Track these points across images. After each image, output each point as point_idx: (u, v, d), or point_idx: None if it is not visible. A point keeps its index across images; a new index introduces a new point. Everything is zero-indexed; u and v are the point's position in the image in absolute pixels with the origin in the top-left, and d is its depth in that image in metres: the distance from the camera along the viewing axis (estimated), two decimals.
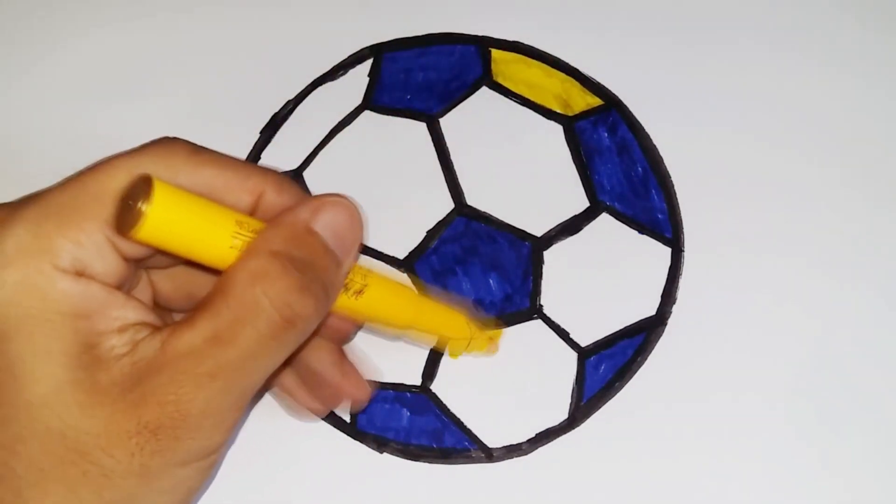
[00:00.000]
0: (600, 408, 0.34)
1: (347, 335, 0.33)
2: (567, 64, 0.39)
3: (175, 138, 0.26)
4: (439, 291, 0.33)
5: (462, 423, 0.34)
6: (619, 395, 0.34)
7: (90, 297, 0.24)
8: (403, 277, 0.31)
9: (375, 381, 0.33)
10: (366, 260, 0.31)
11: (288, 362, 0.28)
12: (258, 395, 0.33)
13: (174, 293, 0.29)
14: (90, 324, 0.24)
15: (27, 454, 0.24)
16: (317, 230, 0.26)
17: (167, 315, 0.30)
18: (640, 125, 0.38)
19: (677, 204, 0.37)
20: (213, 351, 0.24)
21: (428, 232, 0.36)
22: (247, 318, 0.24)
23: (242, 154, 0.38)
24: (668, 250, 0.36)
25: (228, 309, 0.24)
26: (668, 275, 0.36)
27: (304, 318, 0.25)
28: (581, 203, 0.37)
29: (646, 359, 0.34)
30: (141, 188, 0.23)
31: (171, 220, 0.23)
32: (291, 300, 0.24)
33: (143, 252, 0.25)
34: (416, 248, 0.36)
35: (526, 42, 0.39)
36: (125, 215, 0.23)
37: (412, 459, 0.34)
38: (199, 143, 0.38)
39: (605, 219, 0.36)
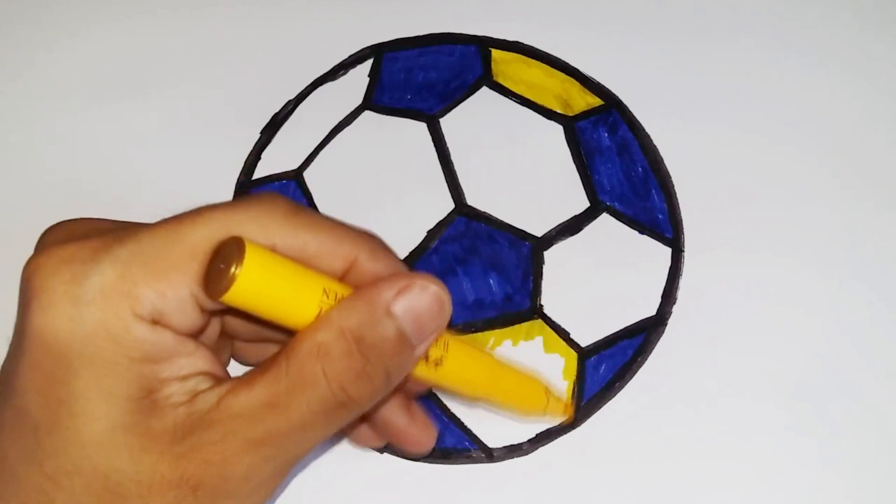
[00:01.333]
0: (600, 408, 0.34)
1: (421, 391, 0.32)
2: (567, 64, 0.39)
3: (276, 195, 0.26)
4: (515, 362, 0.32)
5: (462, 423, 0.34)
6: (619, 395, 0.34)
7: (162, 345, 0.24)
8: (482, 344, 0.30)
9: (435, 435, 0.33)
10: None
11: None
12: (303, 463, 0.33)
13: (244, 330, 0.29)
14: (156, 370, 0.24)
15: (69, 488, 0.24)
16: (396, 313, 0.25)
17: (230, 345, 0.30)
18: (641, 125, 0.38)
19: (677, 204, 0.37)
20: (266, 417, 0.24)
21: (428, 232, 0.36)
22: (302, 390, 0.24)
23: (242, 154, 0.38)
24: (668, 250, 0.36)
25: (287, 377, 0.24)
26: (668, 275, 0.36)
27: (358, 402, 0.25)
28: (581, 203, 0.37)
29: (646, 359, 0.34)
30: (233, 250, 0.23)
31: (259, 286, 0.23)
32: (347, 384, 0.24)
33: (223, 307, 0.24)
34: (416, 248, 0.36)
35: (526, 42, 0.39)
36: (214, 276, 0.23)
37: (412, 459, 0.34)
38: (198, 142, 0.39)
39: (605, 219, 0.36)
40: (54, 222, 0.27)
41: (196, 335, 0.25)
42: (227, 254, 0.23)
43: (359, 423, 0.31)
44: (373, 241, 0.27)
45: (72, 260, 0.23)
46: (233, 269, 0.22)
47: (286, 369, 0.24)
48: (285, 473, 0.26)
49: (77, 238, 0.24)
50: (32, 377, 0.23)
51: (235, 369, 0.28)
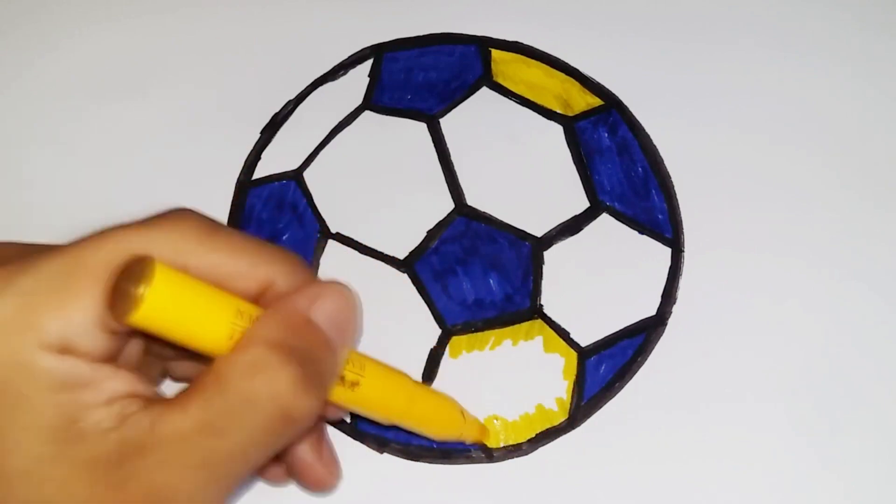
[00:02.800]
0: (600, 408, 0.34)
1: (332, 420, 0.32)
2: (567, 64, 0.39)
3: (189, 212, 0.25)
4: (430, 390, 0.32)
5: None
6: (619, 395, 0.34)
7: (76, 372, 0.23)
8: (397, 371, 0.30)
9: (339, 477, 0.32)
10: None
11: None
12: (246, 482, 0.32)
13: (167, 350, 0.28)
14: (74, 397, 0.23)
15: None
16: (315, 320, 0.25)
17: (158, 366, 0.29)
18: (641, 125, 0.38)
19: (677, 204, 0.37)
20: (204, 440, 0.23)
21: (428, 232, 0.36)
22: (243, 411, 0.23)
23: (242, 154, 0.38)
24: (668, 250, 0.36)
25: (223, 398, 0.23)
26: (668, 275, 0.36)
27: (302, 414, 0.24)
28: (581, 203, 0.37)
29: (646, 359, 0.34)
30: (141, 270, 0.22)
31: (168, 307, 0.22)
32: (291, 395, 0.24)
33: (135, 330, 0.24)
34: (416, 248, 0.36)
35: (526, 42, 0.39)
36: (121, 298, 0.22)
37: (412, 459, 0.34)
38: (198, 142, 0.39)
39: (605, 219, 0.36)
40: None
41: (112, 358, 0.24)
42: (133, 274, 0.22)
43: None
44: (290, 262, 0.26)
45: None
46: (139, 290, 0.22)
47: (221, 390, 0.23)
48: (230, 494, 0.25)
49: None
50: None
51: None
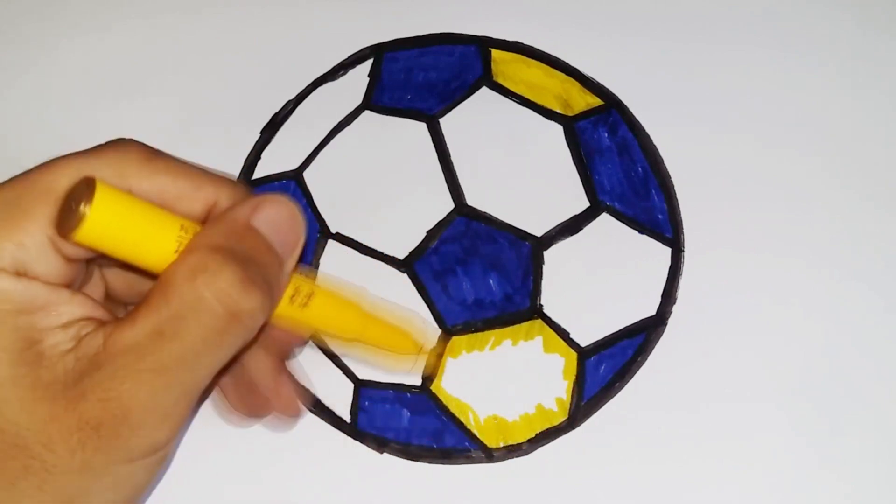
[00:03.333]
0: (600, 408, 0.34)
1: (290, 349, 0.32)
2: (567, 64, 0.39)
3: (131, 141, 0.26)
4: (391, 305, 0.32)
5: (462, 423, 0.34)
6: (619, 395, 0.34)
7: (31, 295, 0.24)
8: (352, 288, 0.30)
9: (307, 402, 0.32)
10: (323, 274, 0.30)
11: (229, 363, 0.27)
12: (206, 394, 0.33)
13: (127, 290, 0.29)
14: (32, 321, 0.24)
15: None
16: (256, 225, 0.25)
17: (122, 309, 0.30)
18: (640, 125, 0.38)
19: (677, 204, 0.37)
20: (155, 346, 0.24)
21: (428, 232, 0.36)
22: (189, 313, 0.24)
23: (242, 154, 0.38)
24: (668, 250, 0.36)
25: (168, 305, 0.24)
26: (668, 275, 0.36)
27: (249, 312, 0.25)
28: (581, 203, 0.37)
29: (646, 359, 0.34)
30: (84, 190, 0.23)
31: (112, 223, 0.23)
32: (234, 293, 0.24)
33: (87, 253, 0.25)
34: (416, 248, 0.36)
35: (526, 42, 0.39)
36: (67, 217, 0.23)
37: (412, 459, 0.34)
38: (198, 142, 0.39)
39: (605, 219, 0.36)
40: None
41: (69, 284, 0.25)
42: (78, 195, 0.23)
43: (230, 384, 0.31)
44: (233, 184, 0.27)
45: None
46: (81, 207, 0.22)
47: (166, 297, 0.24)
48: (188, 403, 0.25)
49: None
50: None
51: None
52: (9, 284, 0.24)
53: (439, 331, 0.34)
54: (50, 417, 0.24)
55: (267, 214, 0.26)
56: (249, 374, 0.30)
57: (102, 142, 0.26)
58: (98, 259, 0.26)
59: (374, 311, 0.31)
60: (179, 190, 0.26)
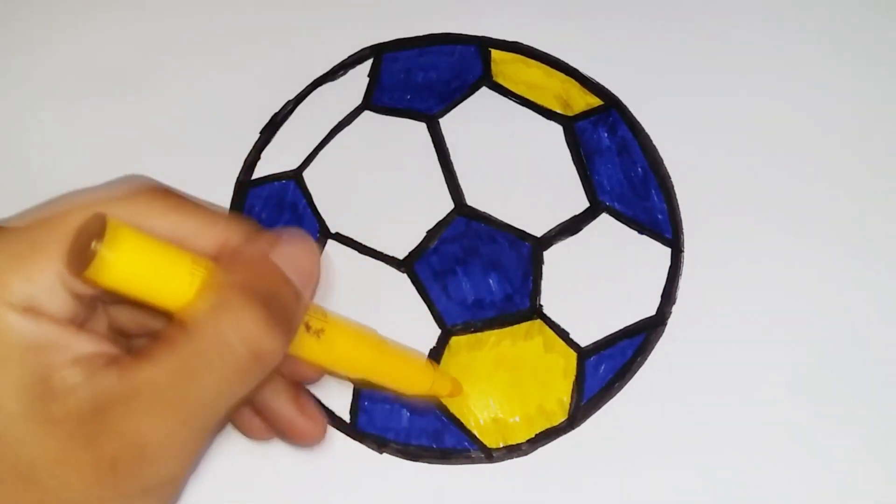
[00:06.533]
0: (600, 408, 0.34)
1: (309, 378, 0.32)
2: (567, 64, 0.39)
3: (142, 177, 0.26)
4: (398, 344, 0.32)
5: (462, 423, 0.34)
6: (619, 395, 0.34)
7: (41, 331, 0.24)
8: (363, 326, 0.30)
9: (324, 428, 0.33)
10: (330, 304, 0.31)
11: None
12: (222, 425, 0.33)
13: (131, 324, 0.28)
14: (42, 357, 0.24)
15: None
16: (275, 261, 0.25)
17: (125, 342, 0.30)
18: (640, 125, 0.38)
19: (677, 204, 0.37)
20: (175, 385, 0.24)
21: (428, 232, 0.36)
22: (212, 354, 0.24)
23: (242, 154, 0.38)
24: (668, 250, 0.36)
25: (191, 343, 0.24)
26: (668, 275, 0.36)
27: (271, 352, 0.25)
28: (581, 203, 0.37)
29: (646, 359, 0.34)
30: (96, 227, 0.23)
31: (124, 261, 0.23)
32: (259, 334, 0.24)
33: (96, 290, 0.24)
34: (416, 248, 0.36)
35: (526, 42, 0.39)
36: (79, 254, 0.23)
37: (412, 459, 0.34)
38: (198, 142, 0.39)
39: (605, 219, 0.36)
40: None
41: (79, 322, 0.25)
42: (90, 232, 0.23)
43: (248, 412, 0.31)
44: (244, 222, 0.27)
45: None
46: (93, 245, 0.22)
47: (188, 337, 0.24)
48: (205, 439, 0.25)
49: None
50: None
51: None
52: (19, 321, 0.23)
53: (449, 378, 0.34)
54: (64, 453, 0.23)
55: (285, 249, 0.26)
56: (269, 403, 0.30)
57: (115, 180, 0.26)
58: (103, 295, 0.26)
59: (384, 348, 0.31)
60: (191, 227, 0.26)
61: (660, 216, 0.36)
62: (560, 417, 0.34)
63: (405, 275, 0.36)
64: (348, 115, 0.39)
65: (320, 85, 0.39)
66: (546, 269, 0.36)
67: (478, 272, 0.36)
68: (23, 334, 0.23)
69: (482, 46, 0.39)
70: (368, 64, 0.40)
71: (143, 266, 0.23)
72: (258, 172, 0.38)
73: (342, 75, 0.39)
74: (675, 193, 0.37)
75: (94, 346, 0.25)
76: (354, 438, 0.34)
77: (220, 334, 0.24)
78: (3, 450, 0.23)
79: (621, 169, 0.37)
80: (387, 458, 0.34)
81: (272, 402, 0.30)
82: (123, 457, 0.24)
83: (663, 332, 0.35)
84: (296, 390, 0.31)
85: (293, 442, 0.31)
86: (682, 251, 0.36)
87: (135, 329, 0.29)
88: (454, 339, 0.35)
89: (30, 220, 0.24)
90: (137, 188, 0.26)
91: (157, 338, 0.24)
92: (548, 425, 0.34)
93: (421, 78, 0.39)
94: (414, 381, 0.32)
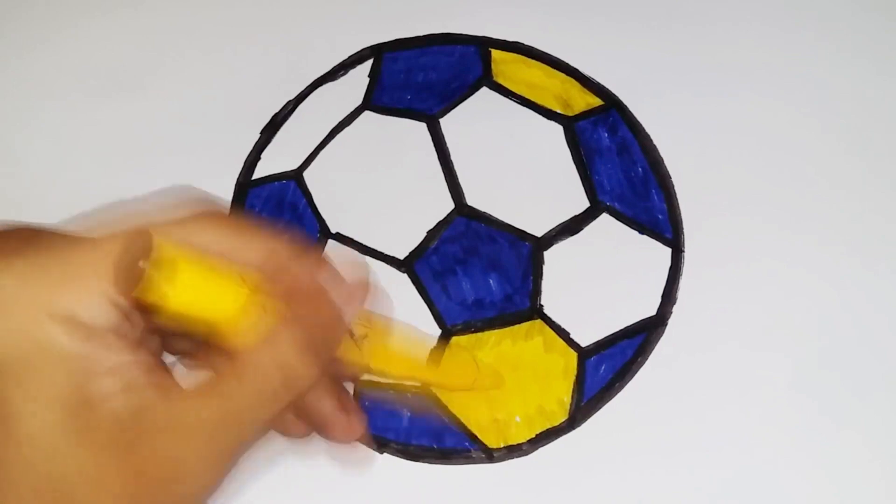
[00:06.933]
0: (600, 408, 0.34)
1: (351, 377, 0.32)
2: (567, 64, 0.39)
3: (189, 188, 0.27)
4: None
5: (462, 423, 0.34)
6: (619, 395, 0.34)
7: (82, 344, 0.24)
8: (409, 326, 0.31)
9: (363, 427, 0.33)
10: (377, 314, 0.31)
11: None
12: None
13: (179, 341, 0.29)
14: (80, 367, 0.24)
15: (16, 493, 0.24)
16: (322, 284, 0.26)
17: (163, 342, 0.30)
18: (640, 125, 0.38)
19: (677, 204, 0.37)
20: (211, 405, 0.24)
21: (428, 232, 0.36)
22: (248, 377, 0.24)
23: (242, 154, 0.38)
24: (668, 250, 0.36)
25: (231, 365, 0.24)
26: (668, 275, 0.36)
27: (306, 378, 0.25)
28: (581, 203, 0.37)
29: (646, 359, 0.34)
30: (142, 244, 0.23)
31: (171, 278, 0.23)
32: (294, 362, 0.25)
33: (143, 310, 0.25)
34: (416, 248, 0.36)
35: (526, 42, 0.39)
36: (126, 273, 0.23)
37: (412, 459, 0.34)
38: (198, 142, 0.39)
39: (605, 219, 0.36)
40: (54, 222, 0.27)
41: (118, 333, 0.25)
42: (137, 249, 0.23)
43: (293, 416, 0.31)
44: (289, 241, 0.27)
45: None
46: (141, 263, 0.22)
47: (229, 358, 0.24)
48: (237, 455, 0.26)
49: None
50: None
51: None
52: (59, 332, 0.24)
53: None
54: (98, 463, 0.24)
55: (333, 270, 0.26)
56: (311, 404, 0.30)
57: (156, 189, 0.27)
58: (149, 317, 0.26)
59: (428, 349, 0.31)
60: (237, 241, 0.26)
61: (660, 216, 0.36)
62: (560, 417, 0.34)
63: (405, 275, 0.36)
64: (348, 115, 0.39)
65: (320, 85, 0.39)
66: (546, 269, 0.36)
67: (478, 272, 0.36)
68: (63, 345, 0.24)
69: (482, 46, 0.39)
70: (368, 64, 0.40)
71: (190, 284, 0.24)
72: (258, 173, 0.38)
73: (342, 75, 0.39)
74: (675, 193, 0.37)
75: (133, 355, 0.25)
76: None
77: (258, 359, 0.25)
78: (38, 459, 0.24)
79: (621, 169, 0.37)
80: (387, 458, 0.34)
81: (313, 401, 0.30)
82: (156, 475, 0.24)
83: (663, 332, 0.35)
84: (337, 387, 0.31)
85: (334, 439, 0.31)
86: (682, 251, 0.36)
87: (173, 329, 0.29)
88: (454, 339, 0.35)
89: (74, 237, 0.25)
90: (185, 202, 0.26)
91: (213, 375, 0.25)
92: (548, 425, 0.34)
93: (421, 78, 0.39)
94: (459, 377, 0.33)
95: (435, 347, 0.32)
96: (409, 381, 0.31)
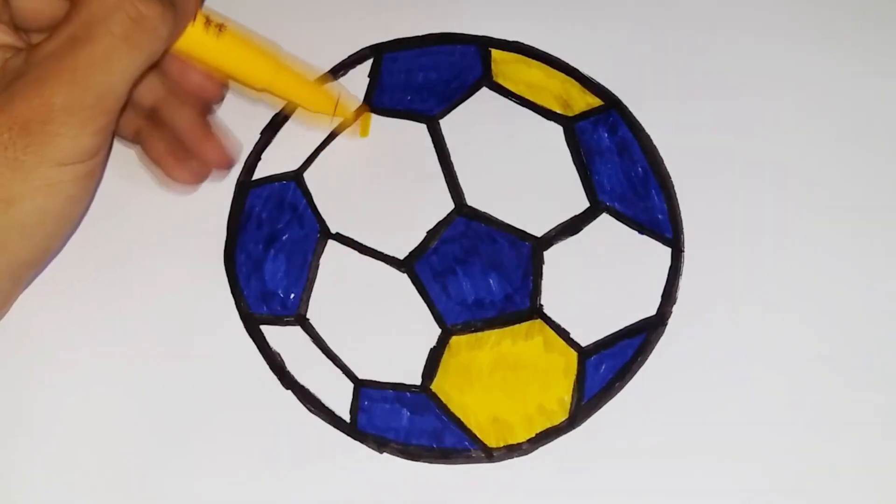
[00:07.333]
0: (600, 408, 0.34)
1: (209, 101, 0.35)
2: (567, 64, 0.39)
3: None
4: (306, 65, 0.35)
5: (462, 422, 0.34)
6: (619, 395, 0.34)
7: None
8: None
9: (237, 150, 0.36)
10: None
11: (155, 122, 0.33)
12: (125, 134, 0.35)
13: (35, 16, 0.31)
14: None
15: None
16: None
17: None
18: (640, 125, 0.38)
19: (677, 204, 0.37)
20: (70, 51, 0.28)
21: (428, 232, 0.36)
22: (98, 20, 0.27)
23: (243, 154, 0.38)
24: (668, 250, 0.36)
25: (80, 15, 0.28)
26: (668, 275, 0.36)
27: (152, 18, 0.28)
28: (581, 203, 0.37)
29: (646, 359, 0.34)
30: None
31: None
32: (143, 9, 0.28)
33: None
34: (416, 248, 0.36)
35: (526, 42, 0.39)
36: None
37: (412, 459, 0.34)
38: None
39: (605, 219, 0.36)
40: None
41: None
42: None
43: (164, 151, 0.34)
44: None
45: None
46: None
47: (78, 10, 0.28)
48: (108, 110, 0.29)
49: None
50: None
51: None
52: None
53: (365, 108, 0.37)
54: None
55: None
56: (176, 131, 0.34)
57: None
58: None
59: (287, 62, 0.34)
60: None
61: (660, 216, 0.36)
62: (560, 417, 0.34)
63: (405, 275, 0.36)
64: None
65: None
66: (546, 269, 0.36)
67: (478, 272, 0.36)
68: None
69: (482, 46, 0.39)
70: (368, 64, 0.40)
71: None
72: (259, 173, 0.38)
73: (342, 75, 0.39)
74: (675, 193, 0.37)
75: (5, 37, 0.29)
76: (354, 438, 0.34)
77: (105, 4, 0.28)
78: None
79: (621, 169, 0.37)
80: (387, 458, 0.34)
81: (180, 128, 0.34)
82: (33, 119, 0.27)
83: (663, 332, 0.35)
84: (202, 119, 0.34)
85: (204, 171, 0.35)
86: (682, 251, 0.36)
87: (38, 22, 0.32)
88: (454, 339, 0.35)
89: None
90: None
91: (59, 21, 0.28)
92: (548, 425, 0.34)
93: (421, 78, 0.39)
94: (317, 97, 0.35)
95: (293, 61, 0.35)
96: (264, 89, 0.34)
